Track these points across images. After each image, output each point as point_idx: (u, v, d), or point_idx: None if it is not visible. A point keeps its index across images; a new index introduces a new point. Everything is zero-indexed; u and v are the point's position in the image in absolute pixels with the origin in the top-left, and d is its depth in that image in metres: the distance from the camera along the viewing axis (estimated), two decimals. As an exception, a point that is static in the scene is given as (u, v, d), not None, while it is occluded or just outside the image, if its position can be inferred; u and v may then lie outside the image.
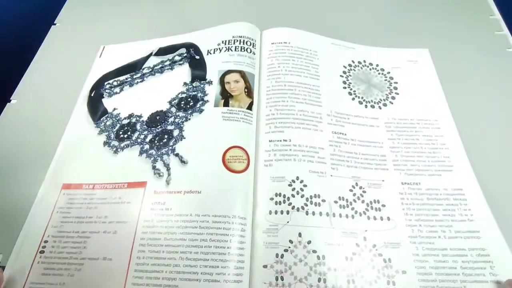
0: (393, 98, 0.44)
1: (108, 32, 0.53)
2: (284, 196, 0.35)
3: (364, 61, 0.48)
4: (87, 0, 0.58)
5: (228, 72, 0.44)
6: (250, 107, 0.42)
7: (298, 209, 0.35)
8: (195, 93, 0.43)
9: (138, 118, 0.42)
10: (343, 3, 0.56)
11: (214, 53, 0.47)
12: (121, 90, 0.45)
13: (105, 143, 0.40)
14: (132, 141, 0.40)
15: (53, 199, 0.37)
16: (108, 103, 0.44)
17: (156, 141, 0.40)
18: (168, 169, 0.37)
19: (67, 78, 0.48)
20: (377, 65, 0.47)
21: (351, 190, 0.36)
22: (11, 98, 0.46)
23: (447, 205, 0.36)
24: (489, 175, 0.37)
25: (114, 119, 0.42)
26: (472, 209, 0.36)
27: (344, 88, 0.45)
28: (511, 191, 0.37)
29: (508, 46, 0.49)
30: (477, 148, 0.39)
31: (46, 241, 0.35)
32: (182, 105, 0.42)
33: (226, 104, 0.42)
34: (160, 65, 0.47)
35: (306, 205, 0.35)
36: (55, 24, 0.55)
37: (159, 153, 0.39)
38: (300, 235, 0.33)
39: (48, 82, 0.48)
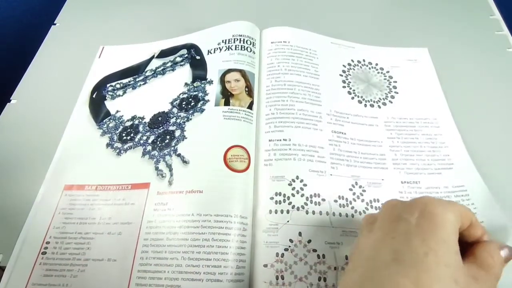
0: (392, 97, 0.44)
1: (108, 32, 0.53)
2: (284, 195, 0.36)
3: (364, 60, 0.48)
4: (87, 0, 0.58)
5: (229, 71, 0.44)
6: (250, 106, 0.42)
7: (298, 208, 0.35)
8: (196, 93, 0.43)
9: (140, 120, 0.42)
10: (343, 2, 0.56)
11: (214, 52, 0.47)
12: (124, 92, 0.45)
13: (108, 145, 0.40)
14: (135, 143, 0.40)
15: (55, 200, 0.37)
16: (110, 105, 0.44)
17: (158, 142, 0.40)
18: (170, 170, 0.37)
19: (67, 78, 0.48)
20: (377, 64, 0.47)
21: (350, 189, 0.37)
22: (11, 98, 0.46)
23: None
24: (491, 174, 0.38)
25: (117, 121, 0.42)
26: (476, 203, 0.36)
27: (344, 87, 0.45)
28: None
29: (508, 46, 0.49)
30: (477, 148, 0.39)
31: (48, 242, 0.35)
32: (183, 105, 0.42)
33: (227, 103, 0.42)
34: (162, 67, 0.47)
35: (306, 204, 0.35)
36: (55, 24, 0.55)
37: (161, 154, 0.39)
38: (300, 234, 0.34)
39: (48, 82, 0.48)
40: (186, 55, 0.48)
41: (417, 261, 0.21)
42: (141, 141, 0.40)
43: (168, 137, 0.40)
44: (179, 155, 0.38)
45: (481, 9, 0.54)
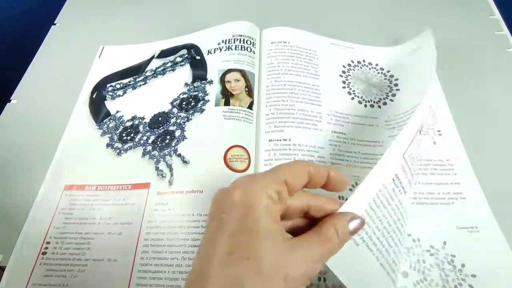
0: (393, 95, 0.44)
1: (108, 32, 0.53)
2: (285, 195, 0.36)
3: (364, 61, 0.48)
4: (87, 0, 0.58)
5: (229, 71, 0.44)
6: (250, 106, 0.42)
7: (298, 209, 0.35)
8: (196, 93, 0.43)
9: (140, 120, 0.42)
10: (343, 2, 0.56)
11: (214, 52, 0.47)
12: (124, 93, 0.45)
13: (108, 145, 0.40)
14: (135, 143, 0.40)
15: (55, 200, 0.37)
16: (111, 105, 0.44)
17: (158, 142, 0.40)
18: (170, 170, 0.37)
19: (67, 78, 0.48)
20: (377, 65, 0.47)
21: (351, 190, 0.37)
22: (11, 98, 0.46)
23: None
24: (489, 175, 0.37)
25: (117, 121, 0.43)
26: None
27: (344, 87, 0.45)
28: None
29: (508, 46, 0.49)
30: (476, 149, 0.39)
31: (48, 242, 0.35)
32: (183, 105, 0.43)
33: (227, 103, 0.42)
34: (162, 67, 0.47)
35: (306, 204, 0.35)
36: (55, 24, 0.55)
37: (161, 154, 0.39)
38: (300, 234, 0.33)
39: (48, 82, 0.48)
40: (186, 55, 0.48)
41: (220, 266, 0.19)
42: (141, 141, 0.40)
43: (168, 137, 0.40)
44: (179, 155, 0.38)
45: (481, 9, 0.54)
